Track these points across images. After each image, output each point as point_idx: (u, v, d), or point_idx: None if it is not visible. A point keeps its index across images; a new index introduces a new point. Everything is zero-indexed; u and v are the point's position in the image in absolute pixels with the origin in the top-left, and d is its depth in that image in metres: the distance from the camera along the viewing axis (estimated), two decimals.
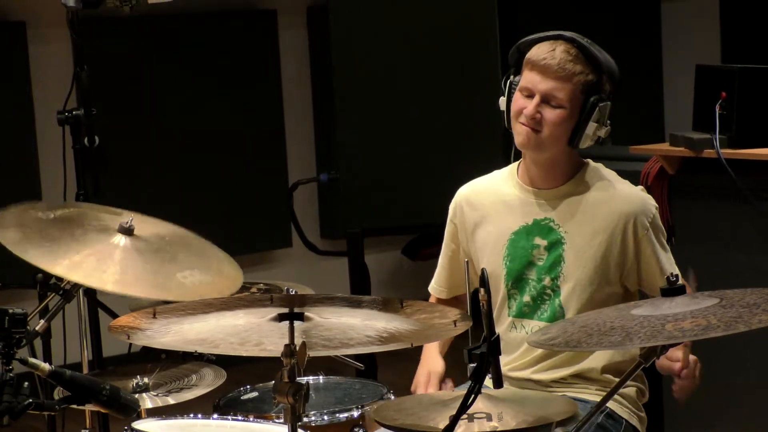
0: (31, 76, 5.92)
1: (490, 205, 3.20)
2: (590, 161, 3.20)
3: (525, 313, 3.13)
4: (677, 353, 2.94)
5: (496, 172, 3.27)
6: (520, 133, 3.10)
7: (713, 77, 4.21)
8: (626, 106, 6.39)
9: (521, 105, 3.09)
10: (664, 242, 3.13)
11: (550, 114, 3.07)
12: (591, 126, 3.07)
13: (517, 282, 3.14)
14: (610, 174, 3.18)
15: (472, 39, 5.17)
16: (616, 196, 3.12)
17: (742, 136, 4.05)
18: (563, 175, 3.15)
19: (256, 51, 6.54)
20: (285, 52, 6.65)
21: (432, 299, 3.34)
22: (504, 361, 3.08)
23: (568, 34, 3.10)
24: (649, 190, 4.24)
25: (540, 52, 3.08)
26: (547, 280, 3.11)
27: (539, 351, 3.11)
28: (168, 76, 6.25)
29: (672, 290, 2.25)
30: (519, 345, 3.15)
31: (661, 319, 2.16)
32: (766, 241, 4.06)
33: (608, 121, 3.11)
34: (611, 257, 3.08)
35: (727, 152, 4.01)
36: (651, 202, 3.15)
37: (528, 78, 3.09)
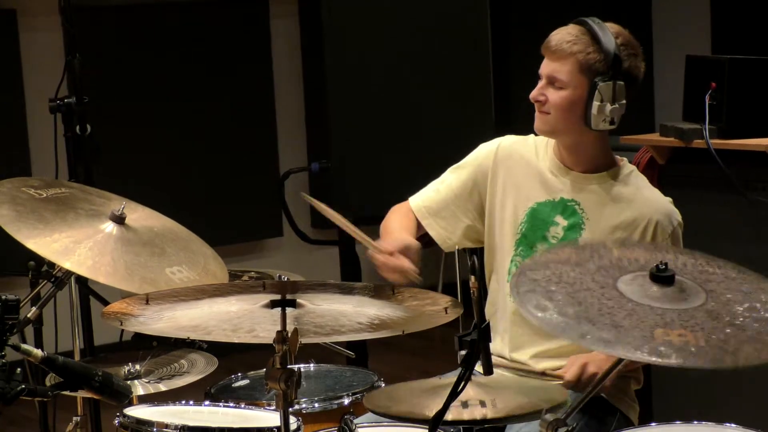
0: (22, 64, 5.91)
1: (524, 171, 3.18)
2: (626, 162, 3.19)
3: None
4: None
5: (534, 138, 3.24)
6: (535, 118, 3.13)
7: (703, 68, 4.22)
8: None
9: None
10: None
11: (554, 95, 3.08)
12: (594, 105, 3.05)
13: (525, 250, 3.14)
14: (642, 178, 3.19)
15: (464, 25, 5.16)
16: (645, 199, 3.12)
17: (731, 127, 4.06)
18: (593, 161, 3.14)
19: (248, 39, 6.53)
20: (276, 41, 6.65)
21: (403, 208, 3.29)
22: (494, 344, 3.07)
23: (585, 18, 3.10)
24: None
25: (549, 36, 3.11)
26: None
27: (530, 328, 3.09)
28: (160, 65, 6.25)
29: (660, 278, 2.24)
30: (510, 317, 3.12)
31: (649, 313, 2.14)
32: (756, 231, 4.07)
33: (622, 102, 3.06)
34: None
35: (717, 142, 4.03)
36: (676, 215, 3.13)
37: (542, 63, 3.13)
